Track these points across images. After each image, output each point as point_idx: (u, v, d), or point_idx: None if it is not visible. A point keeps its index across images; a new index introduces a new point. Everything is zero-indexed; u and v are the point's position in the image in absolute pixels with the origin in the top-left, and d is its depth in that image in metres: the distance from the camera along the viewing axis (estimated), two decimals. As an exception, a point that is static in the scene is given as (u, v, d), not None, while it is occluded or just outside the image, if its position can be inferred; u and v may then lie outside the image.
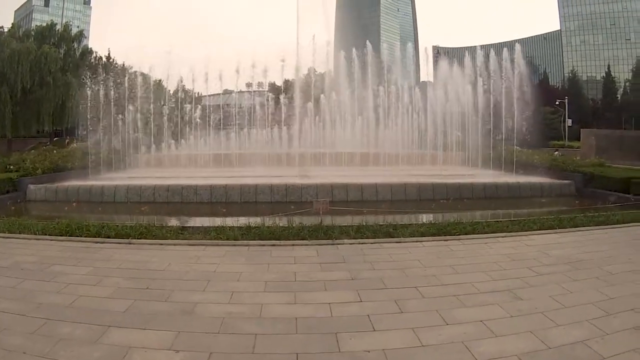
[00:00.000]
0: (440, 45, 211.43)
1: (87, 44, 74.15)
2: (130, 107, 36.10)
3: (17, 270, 8.72)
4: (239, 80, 46.22)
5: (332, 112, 45.72)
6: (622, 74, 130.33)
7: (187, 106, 45.31)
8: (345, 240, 11.11)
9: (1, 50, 53.36)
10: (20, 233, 11.91)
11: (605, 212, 15.13)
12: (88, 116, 32.30)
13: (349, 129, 42.69)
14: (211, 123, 45.70)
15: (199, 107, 45.80)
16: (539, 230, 12.33)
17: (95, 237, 11.41)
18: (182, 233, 11.80)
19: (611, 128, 74.49)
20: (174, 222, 15.86)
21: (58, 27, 65.57)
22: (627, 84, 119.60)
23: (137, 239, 11.25)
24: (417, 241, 11.12)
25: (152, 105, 39.43)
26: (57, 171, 27.32)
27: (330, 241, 11.05)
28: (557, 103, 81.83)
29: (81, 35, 67.26)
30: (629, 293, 7.48)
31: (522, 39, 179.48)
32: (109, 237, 11.34)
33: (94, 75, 39.46)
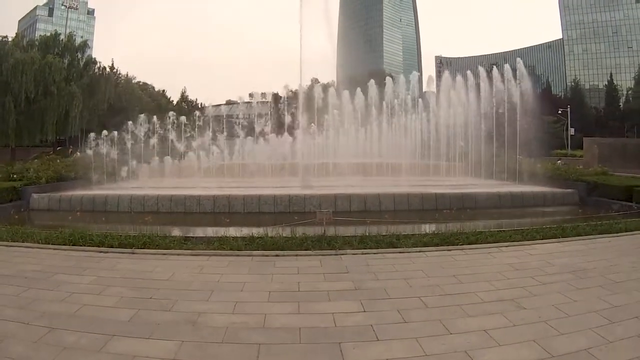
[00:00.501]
0: (443, 55, 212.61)
1: (90, 54, 74.29)
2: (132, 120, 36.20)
3: (20, 278, 8.73)
4: (242, 90, 46.43)
5: (335, 123, 45.78)
6: (625, 82, 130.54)
7: (191, 117, 45.36)
8: (349, 251, 11.09)
9: (5, 60, 53.51)
10: (23, 242, 11.93)
11: (608, 220, 15.11)
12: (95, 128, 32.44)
13: (352, 140, 42.69)
14: (213, 133, 45.70)
15: (202, 117, 45.86)
16: (542, 239, 12.32)
17: (98, 246, 11.42)
18: (186, 243, 11.79)
19: (614, 136, 74.62)
20: (177, 232, 15.87)
21: (62, 37, 65.79)
22: (629, 92, 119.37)
23: (141, 248, 11.25)
24: (420, 251, 11.11)
25: (154, 118, 39.54)
26: (61, 180, 27.38)
27: (333, 251, 11.03)
28: (559, 112, 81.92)
29: (85, 45, 67.45)
30: (633, 301, 7.47)
31: (525, 48, 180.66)
32: (112, 247, 11.34)
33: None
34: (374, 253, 10.95)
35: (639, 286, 8.26)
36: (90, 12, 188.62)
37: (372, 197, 22.19)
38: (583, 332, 6.26)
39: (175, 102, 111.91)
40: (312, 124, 42.03)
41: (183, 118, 44.80)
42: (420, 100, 44.22)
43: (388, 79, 44.56)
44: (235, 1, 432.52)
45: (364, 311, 7.22)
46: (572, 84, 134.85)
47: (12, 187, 23.00)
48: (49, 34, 66.92)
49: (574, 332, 6.26)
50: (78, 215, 20.85)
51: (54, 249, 11.30)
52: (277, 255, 10.71)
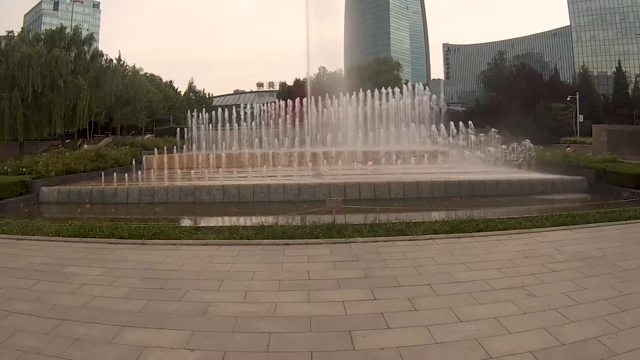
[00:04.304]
0: (451, 43, 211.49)
1: (97, 47, 74.03)
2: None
3: (31, 271, 8.78)
4: (250, 80, 46.56)
5: (344, 111, 45.74)
6: (633, 68, 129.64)
7: (198, 107, 45.43)
8: (359, 239, 11.09)
9: (12, 54, 53.45)
10: (33, 235, 11.96)
11: (617, 208, 15.02)
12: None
13: (361, 128, 42.62)
14: (222, 123, 45.73)
15: (211, 108, 45.92)
16: (552, 226, 12.25)
17: (108, 238, 11.45)
18: (196, 233, 11.83)
19: (623, 123, 74.18)
20: (187, 222, 15.90)
21: (68, 30, 65.52)
22: (638, 78, 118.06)
23: (151, 239, 11.28)
24: (430, 239, 11.09)
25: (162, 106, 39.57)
26: (70, 173, 27.46)
27: (343, 239, 11.02)
28: (568, 99, 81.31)
29: (91, 38, 67.13)
30: (644, 289, 7.43)
31: (533, 35, 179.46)
32: (122, 238, 11.37)
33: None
34: (384, 241, 10.94)
35: (649, 273, 8.22)
36: (96, 5, 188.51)
37: (381, 185, 22.20)
38: (593, 320, 6.23)
39: (182, 93, 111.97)
40: (321, 102, 41.93)
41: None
42: (427, 87, 44.19)
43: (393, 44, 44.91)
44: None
45: (374, 299, 7.21)
46: (580, 70, 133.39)
47: (21, 181, 23.11)
48: (54, 28, 66.61)
49: (584, 320, 6.24)
50: (88, 207, 20.95)
51: (64, 241, 11.33)
52: (287, 244, 10.73)
